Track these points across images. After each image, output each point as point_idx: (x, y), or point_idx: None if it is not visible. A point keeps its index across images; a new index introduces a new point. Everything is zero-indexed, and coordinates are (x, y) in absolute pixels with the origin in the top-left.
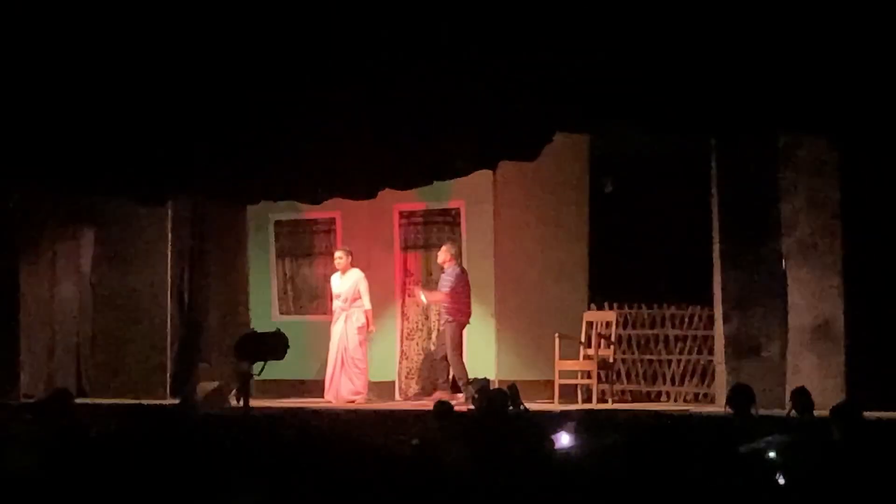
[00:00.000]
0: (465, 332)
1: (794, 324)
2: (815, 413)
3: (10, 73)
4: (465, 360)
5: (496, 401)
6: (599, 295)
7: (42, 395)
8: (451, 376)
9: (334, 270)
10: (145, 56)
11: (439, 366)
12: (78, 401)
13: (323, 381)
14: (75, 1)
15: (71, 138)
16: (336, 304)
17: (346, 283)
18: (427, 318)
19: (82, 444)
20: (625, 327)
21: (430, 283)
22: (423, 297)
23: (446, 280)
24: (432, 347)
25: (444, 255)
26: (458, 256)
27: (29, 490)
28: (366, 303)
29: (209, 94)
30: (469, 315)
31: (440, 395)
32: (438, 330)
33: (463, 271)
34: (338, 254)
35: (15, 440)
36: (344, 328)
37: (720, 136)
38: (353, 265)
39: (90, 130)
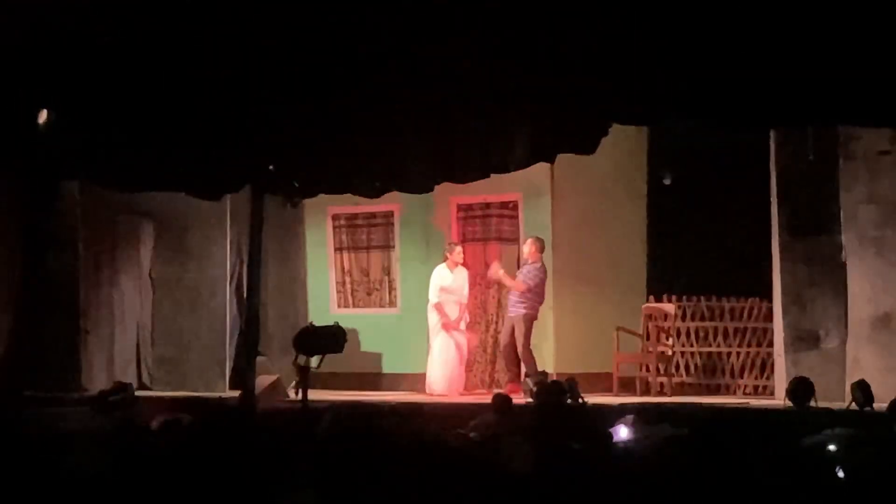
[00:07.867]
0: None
1: (854, 316)
2: (876, 406)
3: (72, 72)
4: None
5: (553, 393)
6: (658, 287)
7: (103, 388)
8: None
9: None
10: (203, 52)
11: (507, 358)
12: (138, 394)
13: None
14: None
15: (129, 134)
16: (451, 298)
17: (461, 278)
18: (485, 311)
19: (142, 438)
20: (683, 319)
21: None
22: (500, 272)
23: (530, 275)
24: (490, 340)
25: (530, 247)
26: (542, 251)
27: (89, 484)
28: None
29: (266, 88)
30: (538, 311)
31: (509, 386)
32: (506, 322)
33: (543, 268)
34: (458, 248)
35: (76, 433)
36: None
37: (779, 129)
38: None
39: (148, 125)
